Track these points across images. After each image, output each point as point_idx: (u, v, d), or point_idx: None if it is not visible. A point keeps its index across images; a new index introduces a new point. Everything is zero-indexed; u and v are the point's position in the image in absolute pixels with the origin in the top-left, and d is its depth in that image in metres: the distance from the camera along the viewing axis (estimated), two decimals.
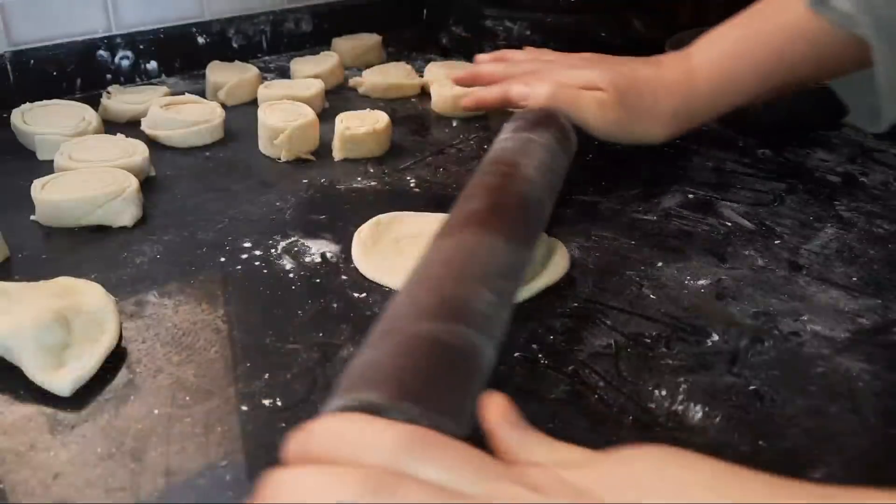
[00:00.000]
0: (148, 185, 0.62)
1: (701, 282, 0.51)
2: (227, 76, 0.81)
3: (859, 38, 0.52)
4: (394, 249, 0.52)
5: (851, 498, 0.27)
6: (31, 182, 0.57)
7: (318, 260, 0.52)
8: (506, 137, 0.53)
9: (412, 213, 0.57)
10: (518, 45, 0.93)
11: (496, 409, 0.30)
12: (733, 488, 0.26)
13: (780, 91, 0.60)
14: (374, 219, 0.55)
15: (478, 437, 0.29)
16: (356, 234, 0.54)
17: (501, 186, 0.45)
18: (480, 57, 0.68)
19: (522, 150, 0.50)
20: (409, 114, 0.80)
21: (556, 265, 0.50)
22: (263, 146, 0.69)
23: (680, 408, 0.40)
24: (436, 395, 0.29)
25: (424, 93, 0.84)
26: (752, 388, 0.41)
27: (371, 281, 0.50)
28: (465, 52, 0.98)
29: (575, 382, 0.41)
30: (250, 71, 0.82)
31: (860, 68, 0.54)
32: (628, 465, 0.27)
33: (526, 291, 0.47)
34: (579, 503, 0.26)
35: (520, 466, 0.28)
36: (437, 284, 0.35)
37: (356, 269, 0.51)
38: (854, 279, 0.51)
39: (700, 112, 0.59)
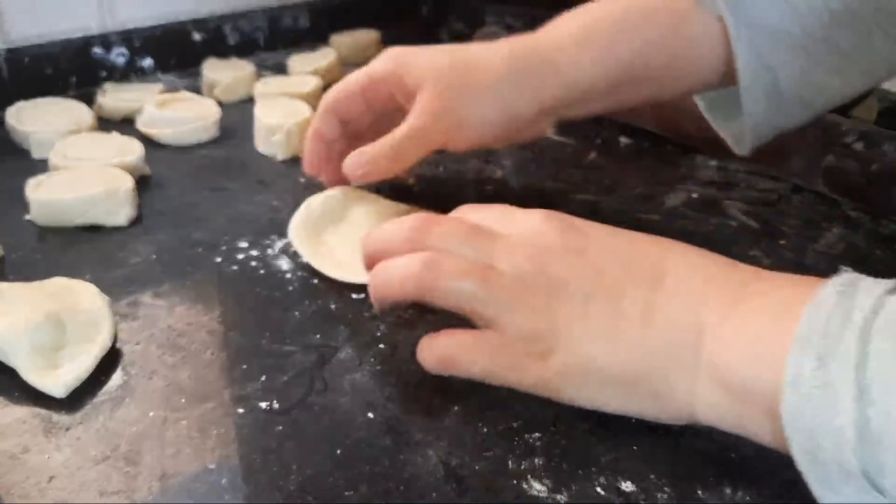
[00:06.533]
0: (143, 184, 0.61)
1: None
2: (223, 73, 0.80)
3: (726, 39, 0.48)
4: (336, 232, 0.52)
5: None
6: (25, 181, 0.56)
7: None
8: None
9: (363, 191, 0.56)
10: None
11: None
12: None
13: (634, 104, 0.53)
14: (326, 192, 0.55)
15: None
16: (304, 205, 0.53)
17: None
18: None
19: None
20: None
21: None
22: (260, 144, 0.69)
23: None
24: None
25: None
26: None
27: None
28: None
29: None
30: (247, 68, 0.82)
31: (724, 83, 0.51)
32: None
33: None
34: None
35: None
36: None
37: None
38: None
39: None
